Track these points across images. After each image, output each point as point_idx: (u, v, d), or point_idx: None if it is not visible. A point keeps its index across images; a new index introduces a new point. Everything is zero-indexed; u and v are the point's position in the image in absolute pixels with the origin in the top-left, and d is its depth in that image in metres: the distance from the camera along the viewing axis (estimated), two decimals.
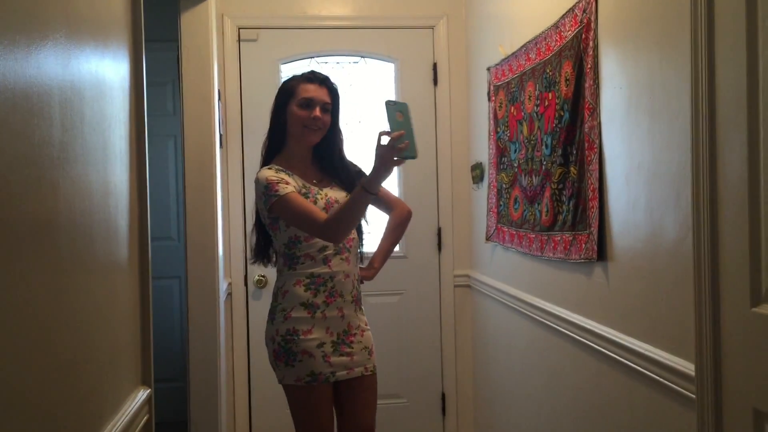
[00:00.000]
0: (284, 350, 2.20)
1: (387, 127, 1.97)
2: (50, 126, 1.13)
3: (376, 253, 2.49)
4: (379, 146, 1.97)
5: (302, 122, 2.27)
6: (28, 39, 1.03)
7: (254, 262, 2.45)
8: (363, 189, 2.02)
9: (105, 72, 1.48)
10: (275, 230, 2.28)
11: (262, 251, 2.41)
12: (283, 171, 2.25)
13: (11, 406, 0.96)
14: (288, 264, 2.26)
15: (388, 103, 1.99)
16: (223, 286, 3.28)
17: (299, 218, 2.16)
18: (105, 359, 1.44)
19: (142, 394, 1.69)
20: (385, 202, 2.49)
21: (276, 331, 2.23)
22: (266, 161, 2.34)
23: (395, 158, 1.94)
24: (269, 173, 2.21)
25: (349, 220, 2.09)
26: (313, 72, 2.36)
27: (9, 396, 0.95)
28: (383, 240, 2.51)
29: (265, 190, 2.18)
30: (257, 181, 2.24)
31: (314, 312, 2.22)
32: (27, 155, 1.02)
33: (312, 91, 2.27)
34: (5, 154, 0.94)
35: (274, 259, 2.41)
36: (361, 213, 2.14)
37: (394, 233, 2.51)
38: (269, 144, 2.36)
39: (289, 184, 2.19)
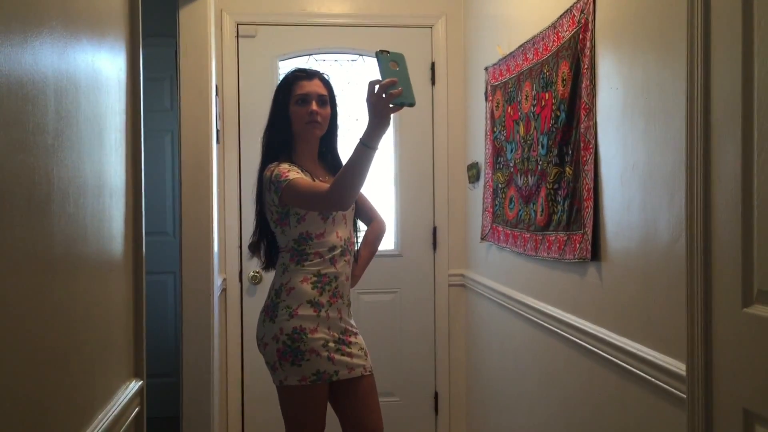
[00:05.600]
0: (291, 349, 2.14)
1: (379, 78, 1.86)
2: (45, 113, 1.13)
3: (358, 264, 2.44)
4: (370, 96, 1.88)
5: (303, 119, 2.26)
6: (24, 26, 1.03)
7: (256, 257, 2.43)
8: (362, 144, 1.92)
9: (101, 64, 1.48)
10: (284, 226, 2.22)
11: (267, 254, 2.39)
12: (295, 166, 2.23)
13: None
14: (296, 260, 2.22)
15: (380, 54, 1.86)
16: (217, 281, 3.28)
17: (307, 196, 2.12)
18: (95, 351, 1.44)
19: (133, 386, 1.69)
20: (366, 212, 2.49)
21: (280, 329, 2.16)
22: (269, 158, 2.28)
23: (390, 105, 1.84)
24: (282, 166, 2.19)
25: (352, 180, 1.97)
26: (302, 68, 2.36)
27: None
28: (363, 249, 2.47)
29: (275, 179, 2.16)
30: (265, 177, 2.21)
31: (320, 311, 2.19)
32: (21, 141, 1.02)
33: (306, 86, 2.27)
34: None
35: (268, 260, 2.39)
36: (365, 172, 1.97)
37: (374, 245, 2.51)
38: (270, 142, 2.31)
39: (299, 173, 2.18)
